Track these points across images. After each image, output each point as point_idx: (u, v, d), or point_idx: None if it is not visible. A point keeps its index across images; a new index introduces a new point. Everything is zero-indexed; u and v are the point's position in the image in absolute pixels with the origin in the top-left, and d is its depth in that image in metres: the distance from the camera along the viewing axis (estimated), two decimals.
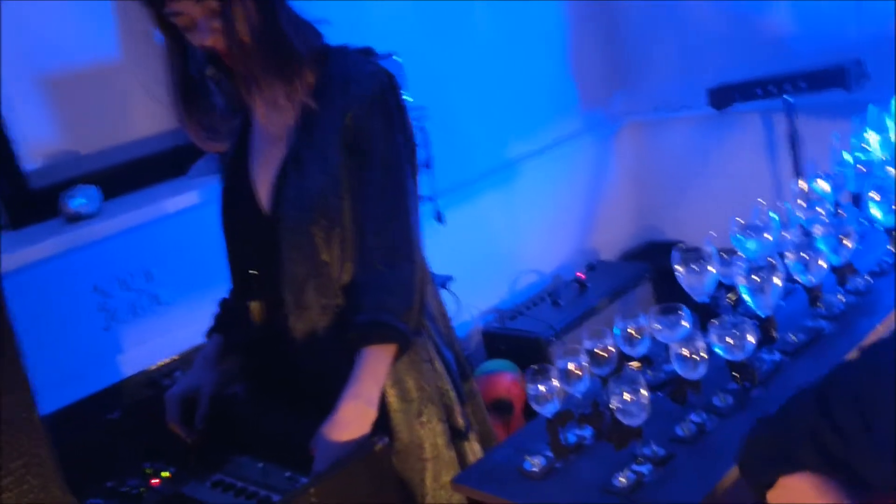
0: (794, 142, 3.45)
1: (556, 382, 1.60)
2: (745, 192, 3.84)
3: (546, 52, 3.82)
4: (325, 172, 1.63)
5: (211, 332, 1.91)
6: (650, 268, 3.60)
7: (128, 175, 2.40)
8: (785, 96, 3.35)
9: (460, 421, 1.79)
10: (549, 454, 1.62)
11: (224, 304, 1.94)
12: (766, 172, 3.77)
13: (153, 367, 2.54)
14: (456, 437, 1.78)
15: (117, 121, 2.46)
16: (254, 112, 1.72)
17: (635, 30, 3.97)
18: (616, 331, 1.76)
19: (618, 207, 4.13)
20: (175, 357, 2.59)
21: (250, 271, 1.76)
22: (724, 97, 3.48)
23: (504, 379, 3.04)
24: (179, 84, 1.67)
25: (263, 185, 1.71)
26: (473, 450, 1.81)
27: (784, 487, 1.13)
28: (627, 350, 1.75)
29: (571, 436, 1.65)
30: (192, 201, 2.35)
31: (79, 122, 2.40)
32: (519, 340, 3.23)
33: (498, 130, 3.64)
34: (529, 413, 3.04)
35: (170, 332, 2.51)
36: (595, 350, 1.71)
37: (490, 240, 3.58)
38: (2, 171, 2.19)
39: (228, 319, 1.90)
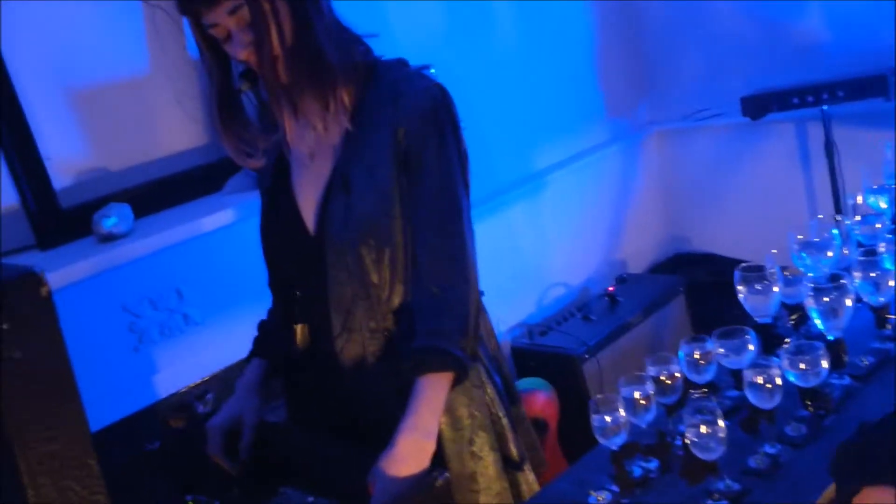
0: (830, 152, 3.38)
1: (622, 413, 1.53)
2: (776, 204, 3.79)
3: (571, 59, 3.76)
4: (375, 191, 1.56)
5: (251, 356, 1.84)
6: (683, 281, 3.52)
7: (160, 192, 2.33)
8: (823, 106, 3.28)
9: (513, 450, 1.71)
10: (615, 488, 1.54)
11: (263, 326, 1.87)
12: (800, 183, 3.70)
13: (184, 388, 2.49)
14: (509, 466, 1.71)
15: (149, 136, 2.39)
16: (285, 130, 1.65)
17: (662, 36, 3.91)
18: (681, 356, 1.69)
19: (645, 218, 4.06)
20: (206, 378, 2.54)
21: (294, 293, 1.69)
22: (759, 106, 3.41)
23: (538, 398, 2.96)
24: (218, 98, 1.60)
25: (307, 204, 1.64)
26: (527, 480, 1.73)
27: (868, 497, 1.19)
28: (693, 377, 1.67)
29: (637, 468, 1.58)
30: (229, 219, 2.27)
31: (109, 138, 2.33)
32: (550, 357, 3.15)
33: (523, 141, 3.57)
34: (563, 432, 2.98)
35: (201, 353, 2.45)
36: (660, 377, 1.63)
37: (517, 252, 3.51)
38: (32, 189, 2.11)
39: (269, 343, 1.83)
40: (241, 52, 1.50)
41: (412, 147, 1.56)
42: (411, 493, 1.42)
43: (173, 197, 2.35)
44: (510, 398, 1.79)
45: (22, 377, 0.98)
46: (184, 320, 2.42)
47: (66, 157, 2.24)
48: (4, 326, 0.97)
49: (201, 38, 1.53)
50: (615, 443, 1.54)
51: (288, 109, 1.55)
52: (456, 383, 1.54)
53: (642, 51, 3.97)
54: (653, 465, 1.59)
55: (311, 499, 1.60)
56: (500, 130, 3.44)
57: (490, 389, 1.70)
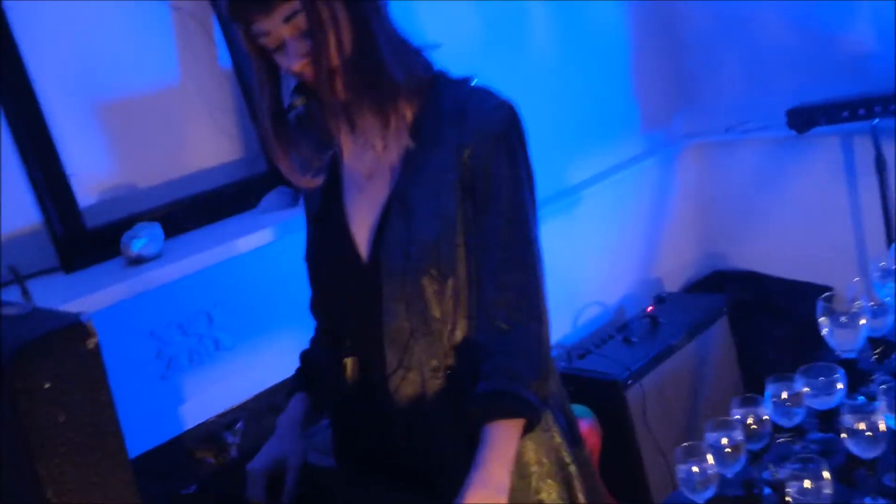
0: (881, 168, 3.23)
1: (710, 462, 1.39)
2: (819, 221, 3.64)
3: (606, 69, 3.62)
4: (438, 216, 1.42)
5: (293, 390, 1.70)
6: (726, 300, 3.38)
7: (191, 210, 2.19)
8: (874, 120, 3.13)
9: (582, 499, 1.57)
10: None
11: (306, 357, 1.73)
12: (845, 200, 3.55)
13: (213, 418, 2.35)
14: None
15: (179, 151, 2.25)
16: (340, 148, 1.52)
17: (701, 46, 3.77)
18: (767, 396, 1.55)
19: (682, 235, 3.91)
20: (236, 406, 2.41)
21: (344, 325, 1.55)
22: (806, 119, 3.26)
23: (580, 427, 2.81)
24: (271, 113, 1.46)
25: (361, 230, 1.50)
26: None
27: None
28: (782, 420, 1.54)
29: None
30: (265, 240, 2.14)
31: (137, 154, 2.19)
32: (591, 382, 3.00)
33: (555, 155, 3.43)
34: (604, 462, 2.83)
35: (231, 380, 2.31)
36: (748, 423, 1.49)
37: (551, 270, 3.34)
38: (57, 208, 1.98)
39: (313, 376, 1.69)
40: (296, 64, 1.36)
41: (479, 170, 1.42)
42: None
43: (205, 215, 2.21)
44: (574, 440, 1.65)
45: (66, 444, 0.85)
46: (214, 345, 2.28)
47: (92, 173, 2.10)
48: (46, 386, 0.84)
49: (252, 47, 1.40)
50: (703, 497, 1.40)
51: (345, 126, 1.42)
52: (527, 430, 1.40)
53: (680, 60, 3.83)
54: None
55: None
56: (533, 143, 3.30)
57: (557, 433, 1.56)
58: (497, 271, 1.42)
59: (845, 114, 3.16)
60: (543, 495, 1.51)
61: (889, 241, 3.26)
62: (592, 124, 3.56)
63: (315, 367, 1.69)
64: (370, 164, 1.50)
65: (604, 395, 2.94)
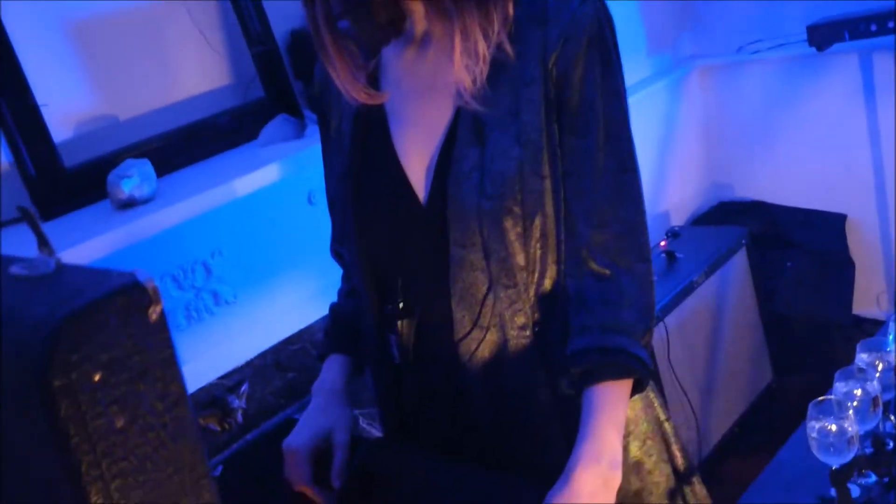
0: None
1: (851, 419, 1.18)
2: (833, 146, 3.44)
3: None
4: (521, 142, 1.16)
5: (327, 351, 1.43)
6: (745, 233, 3.18)
7: (182, 144, 1.89)
8: None
9: (681, 459, 1.36)
10: None
11: (338, 312, 1.46)
12: (861, 122, 3.35)
13: (215, 380, 2.10)
14: (677, 479, 1.35)
15: (165, 76, 1.94)
16: (403, 58, 1.24)
17: None
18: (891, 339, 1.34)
19: (688, 165, 3.70)
20: (240, 366, 2.15)
21: (394, 280, 1.28)
22: (827, 34, 3.04)
23: None
24: (325, 14, 1.18)
25: (416, 163, 1.23)
26: (697, 495, 1.37)
27: None
28: None
29: (855, 487, 1.24)
30: (274, 177, 1.85)
31: (118, 80, 1.88)
32: None
33: None
34: None
35: (234, 338, 2.06)
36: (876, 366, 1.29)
37: None
38: (28, 145, 1.67)
39: (349, 334, 1.42)
40: None
41: (567, 81, 1.16)
42: None
43: (198, 150, 1.91)
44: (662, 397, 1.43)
45: (126, 458, 0.59)
46: (213, 300, 2.02)
47: (67, 103, 1.79)
48: (96, 379, 0.58)
49: None
50: (838, 460, 1.19)
51: (442, 26, 1.13)
52: (636, 391, 1.17)
53: None
54: (871, 480, 1.25)
55: None
56: None
57: (651, 387, 1.33)
58: (595, 205, 1.17)
59: (873, 27, 2.94)
60: (643, 457, 1.29)
61: None
62: None
63: (351, 321, 1.43)
64: (427, 80, 1.23)
65: None
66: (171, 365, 0.61)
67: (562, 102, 1.16)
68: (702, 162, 3.77)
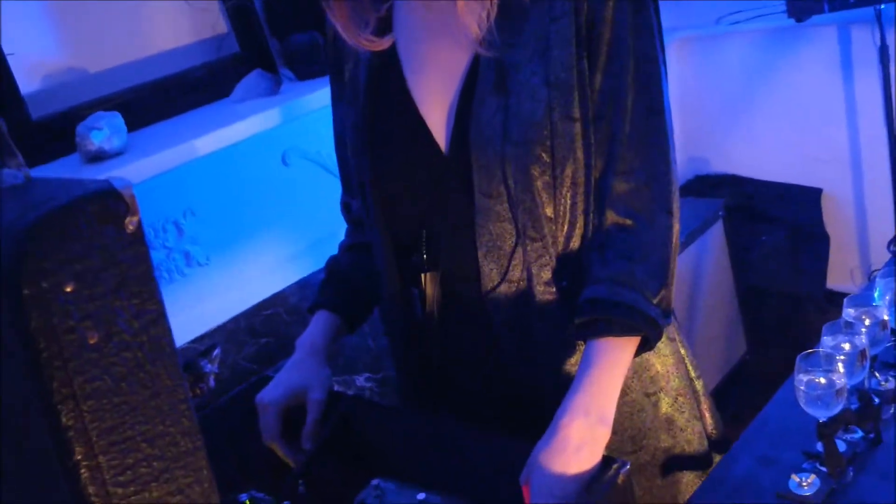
0: (884, 59, 3.03)
1: (841, 373, 1.17)
2: (810, 120, 3.44)
3: None
4: (549, 83, 1.10)
5: (316, 305, 1.38)
6: (722, 204, 3.18)
7: (154, 98, 1.84)
8: (881, 5, 2.92)
9: (710, 419, 1.34)
10: (822, 468, 1.19)
11: (335, 266, 1.39)
12: (839, 95, 3.36)
13: (186, 344, 2.05)
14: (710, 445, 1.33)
15: (137, 26, 1.88)
16: (415, 1, 1.17)
17: None
18: (878, 293, 1.33)
19: None
20: (212, 329, 2.10)
21: (417, 231, 1.21)
22: (807, 5, 3.03)
23: None
24: None
25: (436, 110, 1.17)
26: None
27: None
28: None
29: (841, 443, 1.22)
30: (247, 132, 1.80)
31: (87, 30, 1.82)
32: None
33: None
34: None
35: (206, 300, 2.01)
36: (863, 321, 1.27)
37: None
38: None
39: (344, 290, 1.37)
40: None
41: (598, 16, 1.10)
42: (582, 497, 1.03)
43: (170, 104, 1.86)
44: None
45: (101, 377, 0.55)
46: (185, 260, 1.97)
47: (35, 53, 1.73)
48: (68, 290, 0.54)
49: None
50: (825, 413, 1.17)
51: None
52: (641, 350, 1.14)
53: None
54: (857, 436, 1.24)
55: (422, 495, 1.19)
56: None
57: (682, 342, 1.31)
58: (619, 151, 1.12)
59: None
60: (675, 414, 1.26)
61: (890, 136, 3.09)
62: None
63: (347, 277, 1.38)
64: (440, 23, 1.17)
65: None
66: (148, 280, 0.57)
67: (592, 38, 1.10)
68: (678, 135, 3.73)
